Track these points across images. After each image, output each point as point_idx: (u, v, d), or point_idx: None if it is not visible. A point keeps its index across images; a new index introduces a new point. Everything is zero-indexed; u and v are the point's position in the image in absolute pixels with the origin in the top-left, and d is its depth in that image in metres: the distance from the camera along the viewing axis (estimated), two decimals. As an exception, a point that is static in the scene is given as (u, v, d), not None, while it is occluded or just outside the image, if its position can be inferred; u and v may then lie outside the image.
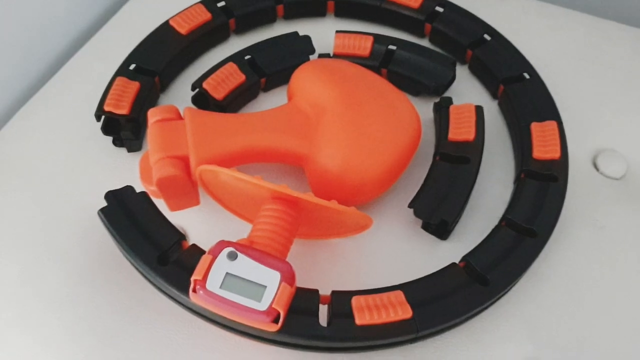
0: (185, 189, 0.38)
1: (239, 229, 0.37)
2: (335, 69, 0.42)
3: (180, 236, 0.34)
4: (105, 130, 0.43)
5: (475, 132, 0.41)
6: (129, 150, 0.43)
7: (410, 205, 0.39)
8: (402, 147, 0.39)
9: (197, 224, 0.40)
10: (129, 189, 0.35)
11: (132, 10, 0.53)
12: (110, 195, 0.34)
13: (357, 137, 0.38)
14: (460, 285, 0.34)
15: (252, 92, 0.46)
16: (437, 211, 0.38)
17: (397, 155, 0.39)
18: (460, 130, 0.41)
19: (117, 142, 0.43)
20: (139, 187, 0.38)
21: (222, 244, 0.32)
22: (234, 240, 0.33)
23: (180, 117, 0.39)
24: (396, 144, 0.39)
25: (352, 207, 0.35)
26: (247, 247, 0.32)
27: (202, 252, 0.34)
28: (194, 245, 0.34)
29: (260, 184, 0.33)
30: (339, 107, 0.39)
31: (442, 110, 0.43)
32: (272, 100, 0.47)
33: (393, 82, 0.47)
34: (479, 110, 0.42)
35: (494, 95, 0.47)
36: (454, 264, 0.36)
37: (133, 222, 0.34)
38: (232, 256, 0.31)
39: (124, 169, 0.43)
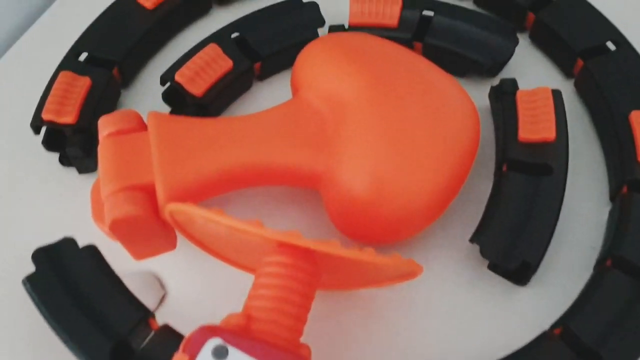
0: (152, 232, 0.27)
1: (232, 275, 0.27)
2: (356, 47, 0.30)
3: (145, 313, 0.23)
4: (48, 144, 0.32)
5: (556, 128, 0.29)
6: (80, 172, 0.32)
7: (472, 240, 0.28)
8: (457, 156, 0.27)
9: (174, 267, 0.29)
10: (67, 243, 0.24)
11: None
12: (40, 256, 0.23)
13: (395, 145, 0.26)
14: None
15: (243, 82, 0.34)
16: (515, 249, 0.26)
17: (451, 168, 0.27)
18: (536, 126, 0.29)
19: (65, 161, 0.32)
20: (90, 229, 0.27)
21: (205, 333, 0.20)
22: (222, 311, 0.22)
23: (143, 127, 0.28)
24: (449, 153, 0.27)
25: (395, 256, 0.24)
26: (241, 336, 0.21)
27: (177, 337, 0.23)
28: (165, 326, 0.23)
29: (261, 233, 0.22)
30: (367, 103, 0.27)
31: (506, 98, 0.31)
32: (270, 92, 0.36)
33: (431, 60, 0.35)
34: (556, 96, 0.30)
35: (567, 73, 0.35)
36: (545, 333, 0.25)
37: (74, 295, 0.23)
38: (220, 353, 0.20)
39: (74, 197, 0.31)
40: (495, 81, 0.34)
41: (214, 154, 0.27)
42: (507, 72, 0.35)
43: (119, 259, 0.27)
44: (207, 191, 0.27)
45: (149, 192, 0.26)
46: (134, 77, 0.36)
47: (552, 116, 0.29)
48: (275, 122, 0.28)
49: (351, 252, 0.22)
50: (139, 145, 0.27)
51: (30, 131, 0.32)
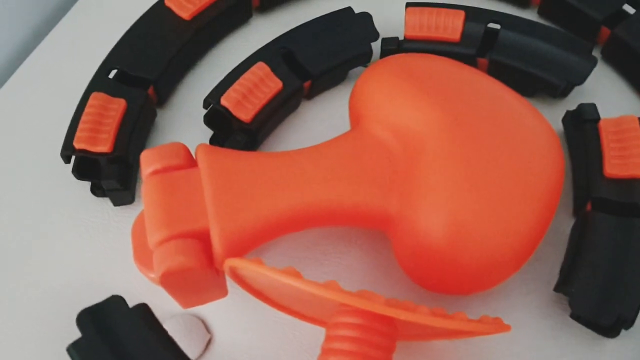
0: (205, 281, 0.24)
1: (282, 318, 0.25)
2: (425, 72, 0.27)
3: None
4: (80, 173, 0.29)
5: (647, 162, 0.27)
6: (116, 204, 0.29)
7: (558, 289, 0.25)
8: (543, 195, 0.24)
9: (220, 309, 0.27)
10: (116, 302, 0.21)
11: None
12: (86, 319, 0.20)
13: (476, 185, 0.23)
14: None
15: (292, 103, 0.31)
16: (608, 303, 0.24)
17: (537, 209, 0.24)
18: (625, 160, 0.27)
19: (98, 191, 0.29)
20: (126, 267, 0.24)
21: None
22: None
23: (191, 162, 0.25)
24: (535, 192, 0.24)
25: (483, 320, 0.21)
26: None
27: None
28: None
29: (334, 297, 0.19)
30: (444, 138, 0.24)
31: (587, 127, 0.28)
32: (318, 112, 0.32)
33: (496, 78, 0.32)
34: (645, 125, 0.28)
35: (644, 94, 0.32)
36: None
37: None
38: None
39: (110, 232, 0.29)
40: (567, 103, 0.32)
41: (273, 194, 0.24)
42: (577, 90, 0.32)
43: (162, 299, 0.25)
44: (266, 235, 0.24)
45: (203, 238, 0.23)
46: (171, 94, 0.32)
47: (641, 149, 0.27)
48: (338, 157, 0.25)
49: (440, 321, 0.19)
50: (189, 184, 0.24)
51: (56, 154, 0.29)
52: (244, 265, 0.21)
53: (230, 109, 0.28)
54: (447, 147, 0.24)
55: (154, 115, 0.31)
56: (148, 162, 0.24)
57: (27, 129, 0.32)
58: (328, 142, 0.26)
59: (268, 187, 0.24)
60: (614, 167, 0.26)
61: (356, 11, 0.33)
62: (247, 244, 0.24)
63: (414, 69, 0.27)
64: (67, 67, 0.34)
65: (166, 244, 0.23)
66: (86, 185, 0.29)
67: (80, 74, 0.32)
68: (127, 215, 0.29)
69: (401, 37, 0.33)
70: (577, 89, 0.32)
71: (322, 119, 0.32)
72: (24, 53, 0.35)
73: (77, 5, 0.37)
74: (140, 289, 0.27)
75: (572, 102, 0.32)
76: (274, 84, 0.29)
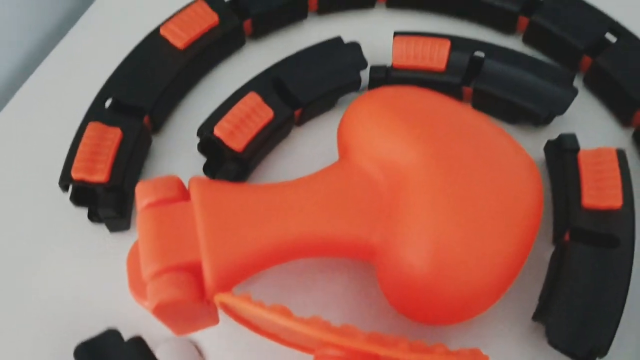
0: (197, 311, 0.25)
1: (277, 345, 0.26)
2: (410, 106, 0.27)
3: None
4: (77, 200, 0.29)
5: (623, 194, 0.28)
6: (112, 231, 0.30)
7: (536, 319, 0.26)
8: (523, 226, 0.25)
9: (213, 334, 0.28)
10: (112, 336, 0.22)
11: (104, 10, 0.39)
12: (82, 352, 0.21)
13: (459, 217, 0.24)
14: None
15: (283, 131, 0.32)
16: (584, 333, 0.25)
17: (518, 241, 0.25)
18: (602, 192, 0.28)
19: (95, 217, 0.30)
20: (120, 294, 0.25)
21: None
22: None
23: (185, 194, 0.26)
24: (515, 223, 0.25)
25: (461, 352, 0.22)
26: None
27: None
28: None
29: (317, 335, 0.20)
30: (427, 171, 0.25)
31: (567, 157, 0.29)
32: (308, 137, 0.33)
33: (480, 107, 0.33)
34: (621, 157, 0.28)
35: (624, 121, 0.33)
36: None
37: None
38: None
39: (106, 258, 0.29)
40: (549, 129, 0.33)
41: (263, 228, 0.25)
42: (560, 117, 0.33)
43: (156, 324, 0.25)
44: (257, 267, 0.25)
45: (195, 271, 0.24)
46: (166, 121, 0.33)
47: (618, 182, 0.27)
48: (326, 190, 0.26)
49: (419, 357, 0.21)
50: (182, 217, 0.25)
51: (53, 180, 0.30)
52: (233, 302, 0.22)
53: (223, 139, 0.29)
54: (429, 181, 0.25)
55: (149, 142, 0.32)
56: (143, 194, 0.25)
57: (24, 154, 0.33)
58: (316, 173, 0.27)
59: (258, 220, 0.25)
60: (591, 197, 0.28)
61: (346, 38, 0.34)
62: (238, 277, 0.25)
63: (399, 103, 0.28)
64: (63, 94, 0.35)
65: (159, 277, 0.24)
66: (83, 210, 0.30)
67: (76, 100, 0.32)
68: (123, 241, 0.30)
69: (390, 64, 0.34)
70: (559, 116, 0.33)
71: (312, 145, 0.33)
72: (20, 79, 0.36)
73: (71, 31, 0.38)
74: (135, 314, 0.28)
75: (554, 129, 0.33)
76: (265, 114, 0.30)
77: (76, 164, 0.28)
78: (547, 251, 0.29)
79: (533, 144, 0.32)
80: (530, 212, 0.26)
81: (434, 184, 0.25)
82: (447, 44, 0.33)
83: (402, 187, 0.26)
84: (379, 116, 0.27)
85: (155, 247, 0.24)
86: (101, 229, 0.30)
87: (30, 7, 0.37)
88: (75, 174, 0.28)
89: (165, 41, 0.33)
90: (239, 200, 0.25)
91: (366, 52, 0.34)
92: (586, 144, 0.31)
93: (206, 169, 0.31)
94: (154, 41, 0.33)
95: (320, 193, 0.26)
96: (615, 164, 0.28)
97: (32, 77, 0.36)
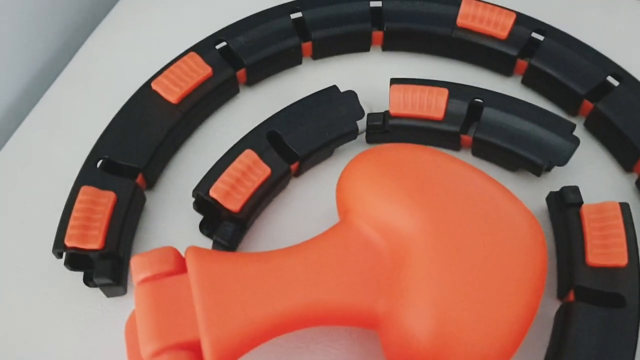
0: (198, 389, 0.24)
1: None
2: (409, 168, 0.27)
3: None
4: (72, 264, 0.29)
5: (628, 251, 0.27)
6: (108, 296, 0.29)
7: (543, 385, 0.26)
8: (528, 291, 0.25)
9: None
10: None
11: (89, 60, 0.38)
12: None
13: (463, 285, 0.24)
14: None
15: (280, 186, 0.31)
16: (592, 401, 0.25)
17: (522, 307, 0.24)
18: (607, 250, 0.27)
19: (91, 282, 0.29)
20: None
21: None
22: None
23: (182, 265, 0.25)
24: (520, 289, 0.25)
25: None
26: None
27: None
28: None
29: None
30: (430, 238, 0.25)
31: (570, 213, 0.29)
32: (306, 191, 0.33)
33: (480, 155, 0.33)
34: (625, 212, 0.28)
35: (627, 167, 0.33)
36: None
37: None
38: None
39: (103, 323, 0.29)
40: (551, 176, 0.32)
41: (263, 299, 0.24)
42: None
43: None
44: (258, 340, 0.24)
45: (195, 348, 0.23)
46: (160, 177, 0.33)
47: (623, 239, 0.27)
48: (326, 257, 0.25)
49: None
50: (180, 292, 0.24)
51: (46, 243, 0.29)
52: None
53: (219, 201, 0.28)
54: (431, 249, 0.25)
55: (144, 200, 0.31)
56: (138, 269, 0.25)
57: (15, 214, 0.32)
58: (316, 238, 0.26)
59: (258, 292, 0.24)
60: (596, 256, 0.27)
61: (342, 82, 0.33)
62: (239, 351, 0.24)
63: (396, 164, 0.27)
64: (49, 153, 0.34)
65: (158, 356, 0.23)
66: (79, 274, 0.30)
67: (62, 159, 0.32)
68: (120, 305, 0.29)
69: (387, 112, 0.33)
70: (559, 161, 0.33)
71: (311, 197, 0.32)
72: (5, 134, 0.35)
73: (54, 85, 0.36)
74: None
75: (556, 174, 0.33)
76: (262, 171, 0.30)
77: (69, 231, 0.27)
78: (553, 307, 0.28)
79: (535, 192, 0.32)
80: (534, 273, 0.26)
81: (435, 252, 0.25)
82: (445, 92, 0.32)
83: (404, 254, 0.25)
84: (377, 180, 0.26)
85: (154, 324, 0.24)
86: (98, 293, 0.29)
87: (6, 56, 0.36)
88: (68, 242, 0.27)
89: (157, 96, 0.32)
90: (237, 271, 0.25)
91: (363, 96, 0.34)
92: (588, 189, 0.31)
93: (203, 226, 0.31)
94: (145, 96, 0.32)
95: (321, 261, 0.25)
96: (619, 220, 0.27)
97: (15, 135, 0.34)
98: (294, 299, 0.25)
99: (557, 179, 0.32)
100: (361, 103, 0.33)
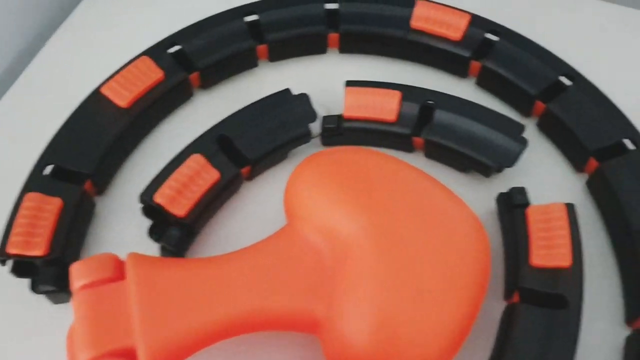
0: (136, 396, 0.24)
1: None
2: (353, 172, 0.27)
3: None
4: (18, 272, 0.29)
5: (572, 252, 0.27)
6: (55, 303, 0.29)
7: (485, 387, 0.26)
8: (469, 294, 0.25)
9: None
10: None
11: (44, 63, 0.37)
12: None
13: (402, 288, 0.24)
14: None
15: (230, 190, 0.31)
16: (531, 402, 0.25)
17: (463, 309, 0.25)
18: (551, 251, 0.27)
19: (37, 289, 0.29)
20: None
21: None
22: None
23: (122, 272, 0.25)
24: (461, 292, 0.25)
25: None
26: None
27: None
28: None
29: None
30: (369, 242, 0.25)
31: (517, 214, 0.29)
32: (257, 195, 0.33)
33: (432, 156, 0.33)
34: (571, 213, 0.28)
35: (578, 167, 0.33)
36: None
37: None
38: None
39: (51, 328, 0.28)
40: (502, 176, 0.32)
41: (201, 306, 0.24)
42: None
43: None
44: (196, 347, 0.24)
45: (131, 356, 0.23)
46: (110, 182, 0.32)
47: (567, 240, 0.27)
48: (268, 262, 0.25)
49: None
50: (117, 299, 0.24)
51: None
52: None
53: (165, 206, 0.28)
54: (371, 252, 0.25)
55: (93, 206, 0.31)
56: (77, 275, 0.25)
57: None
58: (259, 243, 0.26)
59: (197, 298, 0.24)
60: (539, 257, 0.27)
61: (299, 84, 0.33)
62: (176, 358, 0.24)
63: (341, 169, 0.27)
64: (2, 157, 0.34)
65: (92, 365, 0.23)
66: (27, 280, 0.30)
67: (14, 164, 0.31)
68: (68, 312, 0.29)
69: (341, 114, 0.33)
70: (511, 164, 0.33)
71: (263, 201, 0.32)
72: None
73: (13, 87, 0.36)
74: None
75: (508, 175, 0.33)
76: (211, 176, 0.30)
77: (12, 238, 0.27)
78: (500, 309, 0.28)
79: (487, 194, 0.32)
80: (476, 275, 0.26)
81: (374, 256, 0.25)
82: (398, 95, 0.32)
83: (344, 258, 0.25)
84: (321, 185, 0.26)
85: (90, 332, 0.23)
86: (46, 299, 0.29)
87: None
88: (10, 249, 0.27)
89: (107, 100, 0.32)
90: (177, 278, 0.25)
91: (320, 98, 0.34)
92: (539, 189, 0.31)
93: (152, 231, 0.30)
94: (95, 101, 0.32)
95: (261, 266, 0.25)
96: (564, 222, 0.27)
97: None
98: (233, 305, 0.25)
99: (510, 180, 0.32)
100: (318, 105, 0.33)
